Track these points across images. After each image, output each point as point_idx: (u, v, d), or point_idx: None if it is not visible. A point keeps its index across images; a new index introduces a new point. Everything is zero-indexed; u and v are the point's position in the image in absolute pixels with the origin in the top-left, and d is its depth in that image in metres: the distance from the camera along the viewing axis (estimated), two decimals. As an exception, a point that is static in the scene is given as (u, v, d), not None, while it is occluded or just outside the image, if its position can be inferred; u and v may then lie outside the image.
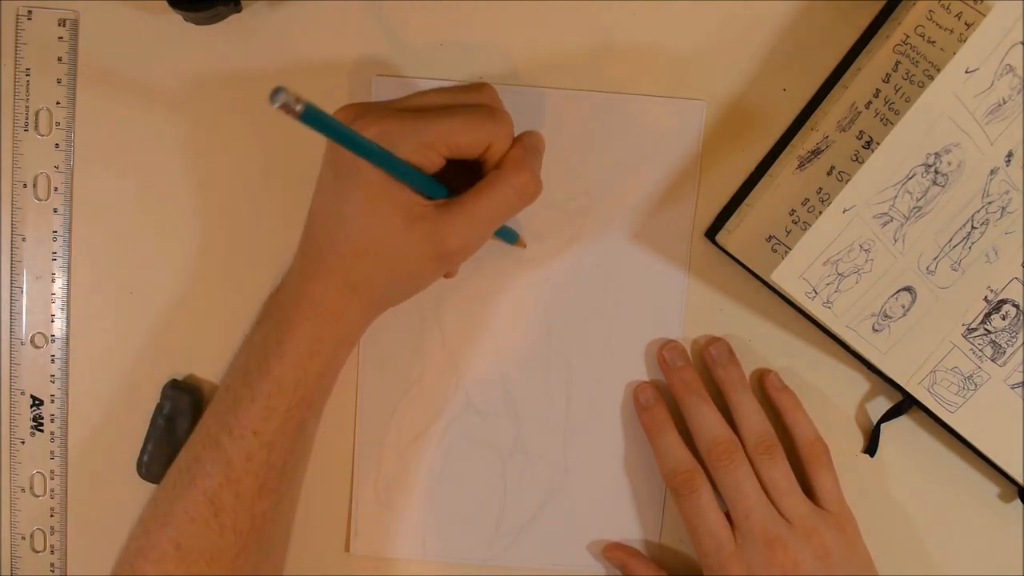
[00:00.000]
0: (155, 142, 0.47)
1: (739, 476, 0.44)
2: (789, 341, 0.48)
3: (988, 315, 0.46)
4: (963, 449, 0.48)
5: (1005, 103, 0.42)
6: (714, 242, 0.47)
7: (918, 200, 0.42)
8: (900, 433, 0.49)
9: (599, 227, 0.48)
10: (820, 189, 0.45)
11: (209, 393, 0.48)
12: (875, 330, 0.44)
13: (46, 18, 0.46)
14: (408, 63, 0.47)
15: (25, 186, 0.47)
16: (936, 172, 0.42)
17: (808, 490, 0.46)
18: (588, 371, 0.48)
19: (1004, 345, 0.47)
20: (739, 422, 0.46)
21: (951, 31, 0.43)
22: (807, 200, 0.45)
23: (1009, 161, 0.43)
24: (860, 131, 0.44)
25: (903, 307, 0.44)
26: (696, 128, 0.47)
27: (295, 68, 0.47)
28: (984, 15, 0.42)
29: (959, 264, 0.45)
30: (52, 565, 0.49)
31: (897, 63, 0.44)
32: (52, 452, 0.48)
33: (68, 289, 0.48)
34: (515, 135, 0.41)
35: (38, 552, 0.49)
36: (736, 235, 0.46)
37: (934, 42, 0.44)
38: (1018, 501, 0.49)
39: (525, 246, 0.47)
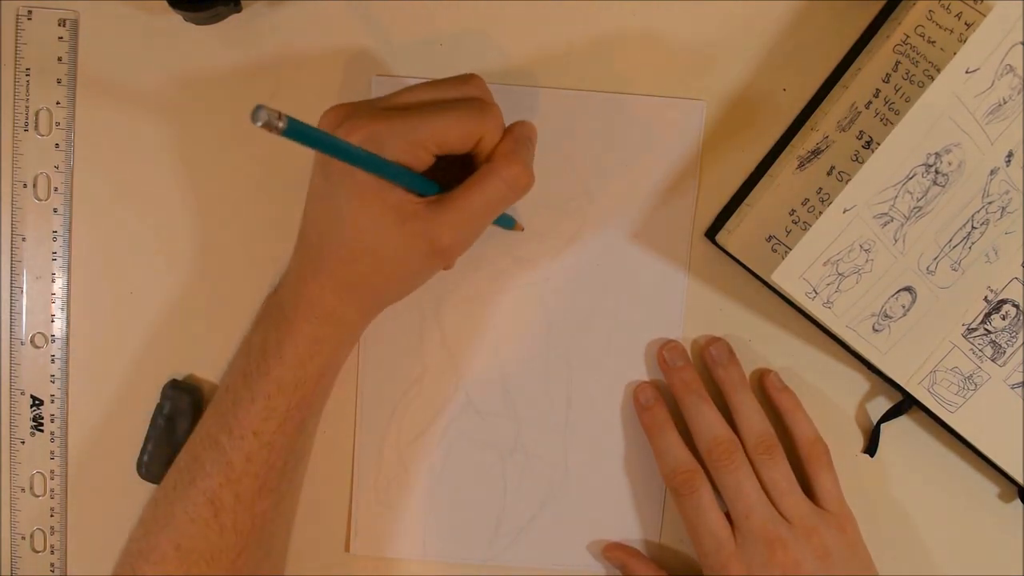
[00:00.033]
0: (155, 142, 0.47)
1: (739, 476, 0.44)
2: (789, 341, 0.48)
3: (988, 315, 0.46)
4: (963, 449, 0.48)
5: (1005, 103, 0.42)
6: (714, 242, 0.47)
7: (918, 200, 0.42)
8: (900, 433, 0.49)
9: (599, 227, 0.48)
10: (820, 189, 0.45)
11: (209, 393, 0.48)
12: (875, 330, 0.44)
13: (46, 18, 0.46)
14: (408, 63, 0.47)
15: (25, 186, 0.47)
16: (936, 172, 0.42)
17: (808, 490, 0.46)
18: (588, 371, 0.48)
19: (1004, 345, 0.47)
20: (739, 422, 0.46)
21: (951, 31, 0.43)
22: (807, 200, 0.45)
23: (1009, 161, 0.43)
24: (860, 131, 0.44)
25: (903, 307, 0.44)
26: (696, 128, 0.47)
27: (295, 68, 0.47)
28: (984, 15, 0.42)
29: (959, 264, 0.45)
30: (52, 565, 0.49)
31: (897, 63, 0.44)
32: (52, 452, 0.48)
33: (68, 289, 0.48)
34: (506, 126, 0.40)
35: (38, 552, 0.49)
36: (736, 235, 0.46)
37: (934, 42, 0.44)
38: (1018, 501, 0.49)
39: (523, 229, 0.47)
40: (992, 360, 0.47)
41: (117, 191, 0.47)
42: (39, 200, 0.47)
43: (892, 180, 0.41)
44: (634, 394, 0.48)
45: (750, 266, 0.46)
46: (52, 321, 0.48)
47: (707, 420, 0.45)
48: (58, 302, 0.48)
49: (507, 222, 0.46)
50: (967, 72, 0.40)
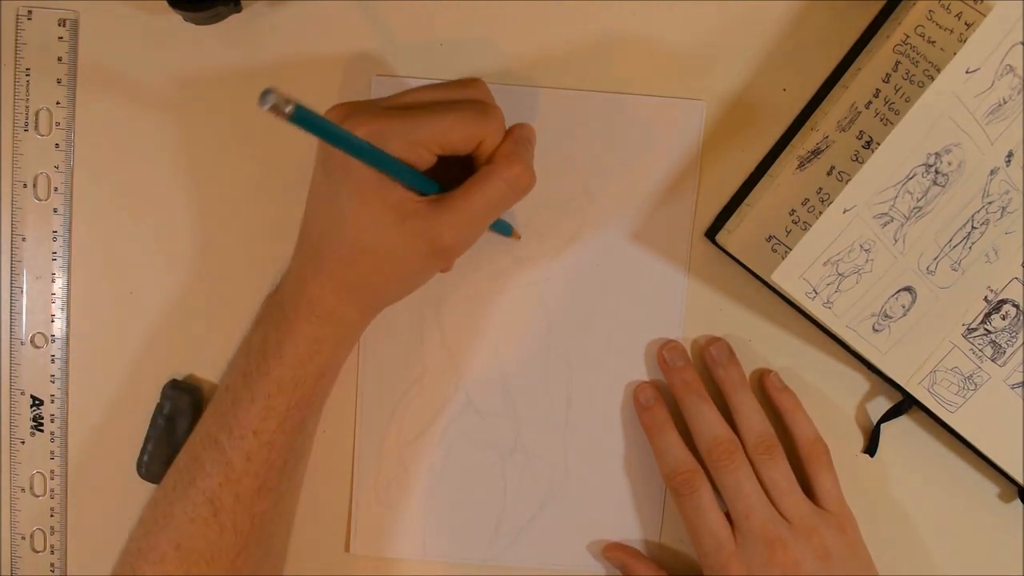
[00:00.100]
0: (155, 142, 0.47)
1: (739, 476, 0.44)
2: (789, 341, 0.48)
3: (988, 315, 0.46)
4: (963, 449, 0.48)
5: (1005, 103, 0.42)
6: (714, 242, 0.47)
7: (918, 200, 0.42)
8: (900, 433, 0.49)
9: (599, 227, 0.48)
10: (820, 189, 0.45)
11: (209, 393, 0.48)
12: (875, 330, 0.44)
13: (46, 18, 0.46)
14: (408, 63, 0.47)
15: (25, 186, 0.47)
16: (936, 172, 0.42)
17: (808, 490, 0.46)
18: (588, 371, 0.48)
19: (1004, 345, 0.47)
20: (739, 422, 0.46)
21: (951, 31, 0.43)
22: (807, 200, 0.45)
23: (1009, 161, 0.43)
24: (860, 131, 0.44)
25: (903, 307, 0.44)
26: (696, 128, 0.47)
27: (295, 68, 0.47)
28: (984, 15, 0.42)
29: (959, 264, 0.45)
30: (52, 565, 0.49)
31: (897, 63, 0.44)
32: (52, 452, 0.48)
33: (68, 289, 0.48)
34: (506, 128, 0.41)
35: (38, 552, 0.49)
36: (736, 235, 0.46)
37: (934, 42, 0.44)
38: (1018, 501, 0.49)
39: (519, 238, 0.47)
40: (992, 360, 0.47)
41: (117, 191, 0.47)
42: (39, 200, 0.47)
43: (892, 180, 0.41)
44: (634, 394, 0.48)
45: (750, 266, 0.46)
46: (52, 321, 0.48)
47: (707, 420, 0.45)
48: (58, 302, 0.48)
49: (505, 229, 0.46)
50: (967, 72, 0.40)
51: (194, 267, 0.48)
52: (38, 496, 0.48)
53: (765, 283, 0.46)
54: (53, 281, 0.47)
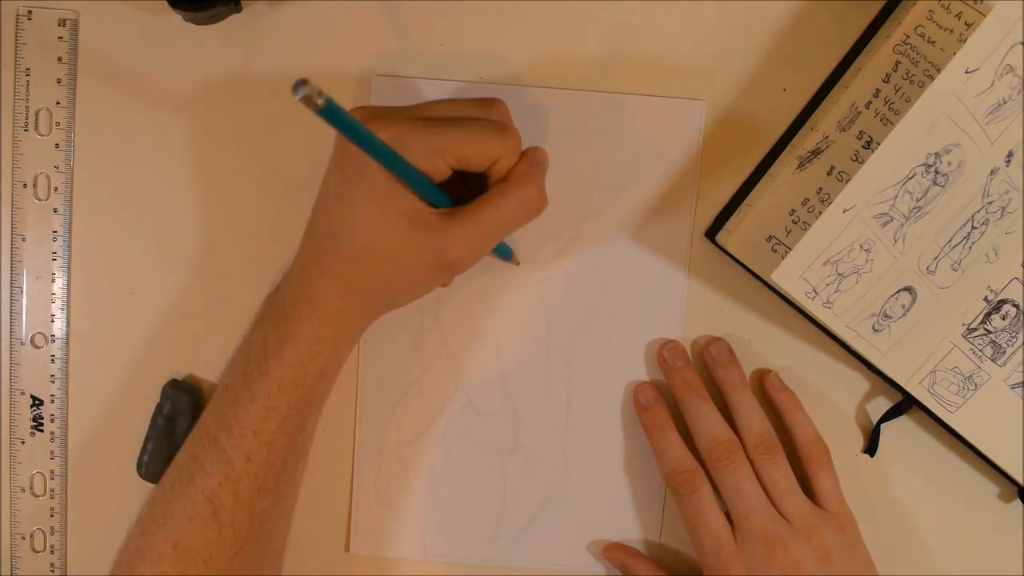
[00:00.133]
0: (155, 142, 0.47)
1: (739, 476, 0.44)
2: (789, 341, 0.48)
3: (988, 315, 0.46)
4: (963, 449, 0.48)
5: (1005, 103, 0.42)
6: (714, 242, 0.47)
7: (918, 200, 0.42)
8: (900, 433, 0.49)
9: (599, 227, 0.48)
10: (820, 189, 0.45)
11: (209, 393, 0.48)
12: (875, 330, 0.44)
13: (46, 18, 0.46)
14: (408, 63, 0.47)
15: (25, 186, 0.47)
16: (936, 172, 0.42)
17: (808, 490, 0.46)
18: (588, 371, 0.48)
19: (1004, 345, 0.47)
20: (739, 422, 0.46)
21: (951, 31, 0.43)
22: (807, 200, 0.45)
23: (1009, 161, 0.43)
24: (860, 131, 0.44)
25: (903, 307, 0.44)
26: (696, 128, 0.47)
27: (295, 68, 0.47)
28: (984, 15, 0.42)
29: (959, 264, 0.45)
30: (52, 565, 0.49)
31: (897, 63, 0.44)
32: (52, 452, 0.48)
33: (68, 289, 0.48)
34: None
35: (38, 552, 0.49)
36: (736, 235, 0.46)
37: (934, 42, 0.44)
38: (1018, 501, 0.49)
39: (519, 263, 0.47)
40: (992, 360, 0.47)
41: (117, 191, 0.47)
42: (39, 200, 0.47)
43: (892, 180, 0.41)
44: (634, 394, 0.48)
45: (750, 266, 0.46)
46: (52, 321, 0.48)
47: (707, 420, 0.45)
48: (58, 302, 0.48)
49: (505, 253, 0.46)
50: (967, 72, 0.40)
51: (194, 267, 0.48)
52: (38, 496, 0.48)
53: (765, 283, 0.46)
54: (53, 281, 0.47)
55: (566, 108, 0.47)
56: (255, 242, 0.47)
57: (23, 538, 0.48)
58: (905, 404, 0.48)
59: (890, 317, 0.44)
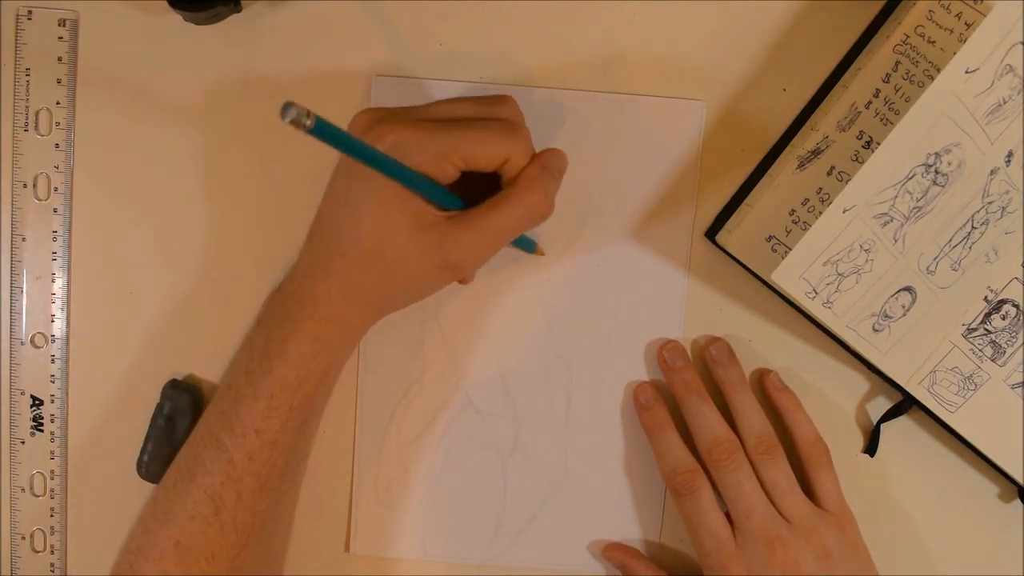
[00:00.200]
0: (155, 142, 0.47)
1: (739, 476, 0.44)
2: (789, 341, 0.48)
3: (988, 315, 0.46)
4: (963, 449, 0.48)
5: (1005, 103, 0.42)
6: (714, 242, 0.47)
7: (918, 200, 0.42)
8: (900, 433, 0.49)
9: (599, 227, 0.48)
10: (820, 189, 0.45)
11: (209, 393, 0.48)
12: (875, 330, 0.44)
13: (46, 18, 0.46)
14: (408, 63, 0.47)
15: (25, 186, 0.47)
16: (936, 172, 0.42)
17: (808, 490, 0.46)
18: (588, 371, 0.48)
19: (1004, 345, 0.47)
20: (739, 422, 0.46)
21: (951, 31, 0.43)
22: (807, 200, 0.45)
23: (1009, 161, 0.43)
24: (860, 131, 0.44)
25: (903, 307, 0.44)
26: (696, 128, 0.47)
27: (295, 68, 0.47)
28: (984, 15, 0.42)
29: (959, 264, 0.45)
30: (52, 565, 0.49)
31: (897, 63, 0.44)
32: (52, 452, 0.48)
33: (68, 289, 0.48)
34: (534, 151, 0.41)
35: (38, 552, 0.49)
36: (736, 235, 0.46)
37: (934, 42, 0.44)
38: (1018, 501, 0.49)
39: (543, 254, 0.47)
40: (992, 360, 0.47)
41: (117, 191, 0.47)
42: (39, 200, 0.47)
43: (892, 180, 0.41)
44: (634, 394, 0.48)
45: (750, 266, 0.46)
46: (52, 321, 0.48)
47: (707, 420, 0.45)
48: (58, 302, 0.48)
49: (528, 246, 0.46)
50: (967, 72, 0.40)
51: (194, 267, 0.48)
52: (38, 496, 0.48)
53: (765, 283, 0.46)
54: (53, 281, 0.47)
55: (566, 108, 0.47)
56: (255, 242, 0.47)
57: (23, 538, 0.48)
58: (905, 404, 0.48)
59: (890, 317, 0.44)
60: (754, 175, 0.47)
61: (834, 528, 0.45)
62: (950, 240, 0.44)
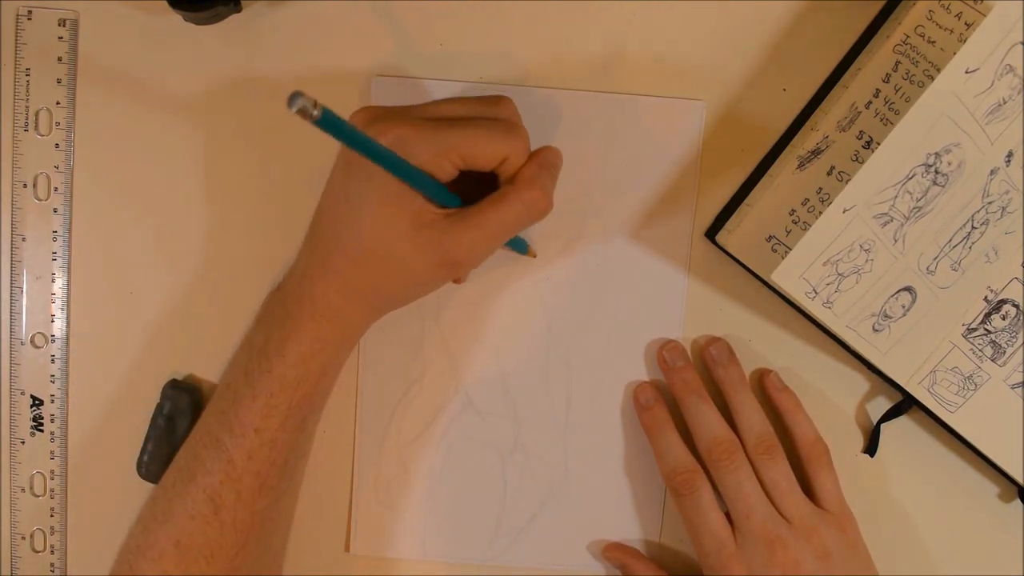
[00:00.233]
0: (155, 141, 0.47)
1: (739, 476, 0.44)
2: (789, 341, 0.48)
3: (988, 315, 0.46)
4: (963, 449, 0.48)
5: (1005, 103, 0.42)
6: (714, 242, 0.47)
7: (918, 200, 0.42)
8: (900, 433, 0.49)
9: (599, 227, 0.48)
10: (820, 189, 0.45)
11: (209, 393, 0.48)
12: (875, 330, 0.44)
13: (46, 18, 0.46)
14: (408, 63, 0.47)
15: (25, 186, 0.47)
16: (936, 172, 0.42)
17: (808, 490, 0.46)
18: (588, 371, 0.48)
19: (1004, 345, 0.47)
20: (739, 422, 0.46)
21: (951, 31, 0.43)
22: (807, 200, 0.45)
23: (1009, 161, 0.43)
24: (860, 131, 0.44)
25: (903, 307, 0.44)
26: (696, 128, 0.47)
27: (295, 68, 0.47)
28: (984, 15, 0.42)
29: (959, 264, 0.45)
30: (52, 565, 0.49)
31: (897, 63, 0.44)
32: (52, 452, 0.48)
33: (68, 289, 0.48)
34: (531, 149, 0.41)
35: (38, 552, 0.49)
36: (736, 235, 0.46)
37: (934, 42, 0.44)
38: (1018, 501, 0.49)
39: (535, 256, 0.47)
40: (992, 360, 0.47)
41: (117, 191, 0.47)
42: (39, 200, 0.47)
43: (892, 180, 0.41)
44: (634, 394, 0.48)
45: (750, 266, 0.46)
46: (52, 321, 0.48)
47: (707, 420, 0.45)
48: (58, 302, 0.48)
49: (521, 247, 0.46)
50: (967, 72, 0.40)
51: (194, 267, 0.48)
52: (38, 496, 0.48)
53: (765, 283, 0.46)
54: (53, 281, 0.47)
55: (566, 108, 0.47)
56: (255, 241, 0.47)
57: (23, 538, 0.48)
58: (905, 404, 0.48)
59: (890, 317, 0.44)
60: (754, 175, 0.47)
61: (834, 528, 0.45)
62: (950, 240, 0.44)
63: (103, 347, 0.48)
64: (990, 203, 0.44)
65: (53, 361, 0.48)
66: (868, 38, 0.46)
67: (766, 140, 0.47)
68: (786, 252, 0.42)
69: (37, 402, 0.48)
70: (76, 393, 0.48)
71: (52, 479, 0.48)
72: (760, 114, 0.47)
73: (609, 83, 0.47)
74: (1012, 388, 0.47)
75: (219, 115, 0.47)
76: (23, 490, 0.48)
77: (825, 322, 0.43)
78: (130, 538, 0.43)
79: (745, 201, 0.46)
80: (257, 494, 0.41)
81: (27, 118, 0.46)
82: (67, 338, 0.48)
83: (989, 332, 0.46)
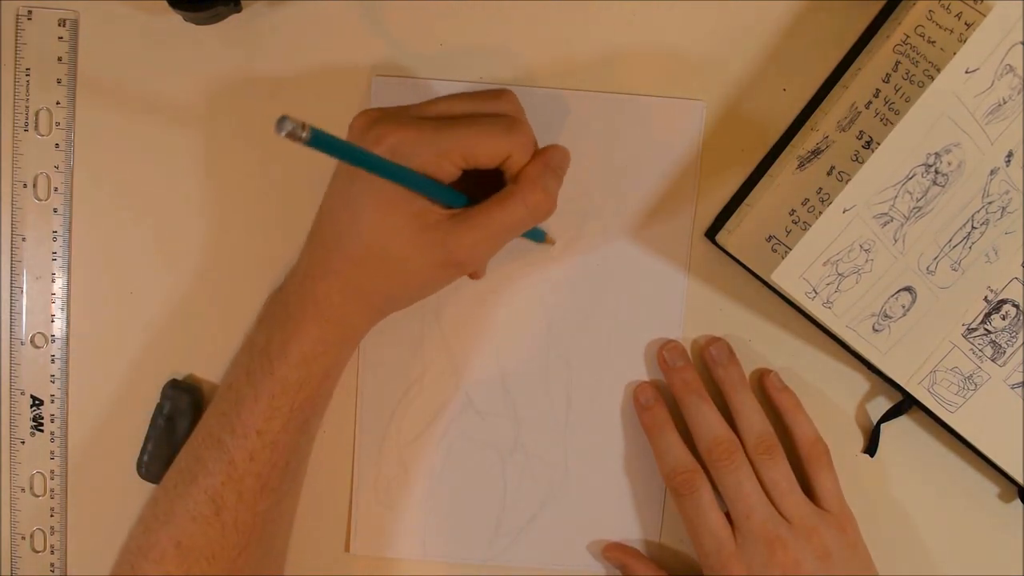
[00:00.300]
0: (155, 142, 0.47)
1: (739, 476, 0.44)
2: (789, 341, 0.48)
3: (988, 315, 0.46)
4: (963, 449, 0.48)
5: (1005, 103, 0.42)
6: (714, 242, 0.47)
7: (918, 200, 0.42)
8: (900, 433, 0.49)
9: (599, 227, 0.48)
10: (820, 189, 0.45)
11: (209, 393, 0.48)
12: (875, 330, 0.44)
13: (46, 18, 0.46)
14: (408, 63, 0.47)
15: (25, 186, 0.47)
16: (936, 172, 0.42)
17: (808, 490, 0.46)
18: (588, 371, 0.48)
19: (1004, 345, 0.47)
20: (739, 422, 0.46)
21: (951, 31, 0.43)
22: (807, 200, 0.45)
23: (1009, 161, 0.43)
24: (860, 131, 0.44)
25: (903, 307, 0.44)
26: (696, 128, 0.47)
27: (295, 68, 0.47)
28: (984, 15, 0.42)
29: (959, 264, 0.45)
30: (52, 565, 0.49)
31: (897, 63, 0.44)
32: (52, 452, 0.48)
33: (68, 289, 0.48)
34: (537, 146, 0.41)
35: (38, 552, 0.49)
36: (736, 235, 0.46)
37: (934, 42, 0.44)
38: (1018, 501, 0.49)
39: (554, 243, 0.47)
40: (992, 360, 0.47)
41: (117, 191, 0.47)
42: (39, 200, 0.47)
43: (892, 180, 0.41)
44: (634, 394, 0.48)
45: (750, 266, 0.46)
46: (52, 321, 0.48)
47: (707, 420, 0.45)
48: (58, 302, 0.48)
49: (537, 236, 0.46)
50: (967, 72, 0.40)
51: (194, 267, 0.48)
52: (38, 496, 0.48)
53: (765, 283, 0.46)
54: (53, 281, 0.47)
55: (566, 108, 0.47)
56: (255, 242, 0.47)
57: (23, 538, 0.48)
58: (905, 404, 0.48)
59: (890, 317, 0.44)
60: (754, 175, 0.47)
61: (834, 528, 0.45)
62: (950, 240, 0.44)
63: (103, 347, 0.48)
64: (990, 203, 0.44)
65: (53, 361, 0.48)
66: (868, 38, 0.46)
67: (766, 140, 0.47)
68: (786, 252, 0.42)
69: (37, 402, 0.48)
70: (76, 393, 0.48)
71: (52, 479, 0.48)
72: (760, 114, 0.47)
73: (609, 83, 0.47)
74: (1012, 388, 0.47)
75: (219, 115, 0.47)
76: (23, 490, 0.48)
77: (825, 322, 0.43)
78: (131, 539, 0.43)
79: (745, 201, 0.46)
80: (259, 495, 0.41)
81: (27, 118, 0.46)
82: (67, 338, 0.48)
83: (989, 332, 0.46)
